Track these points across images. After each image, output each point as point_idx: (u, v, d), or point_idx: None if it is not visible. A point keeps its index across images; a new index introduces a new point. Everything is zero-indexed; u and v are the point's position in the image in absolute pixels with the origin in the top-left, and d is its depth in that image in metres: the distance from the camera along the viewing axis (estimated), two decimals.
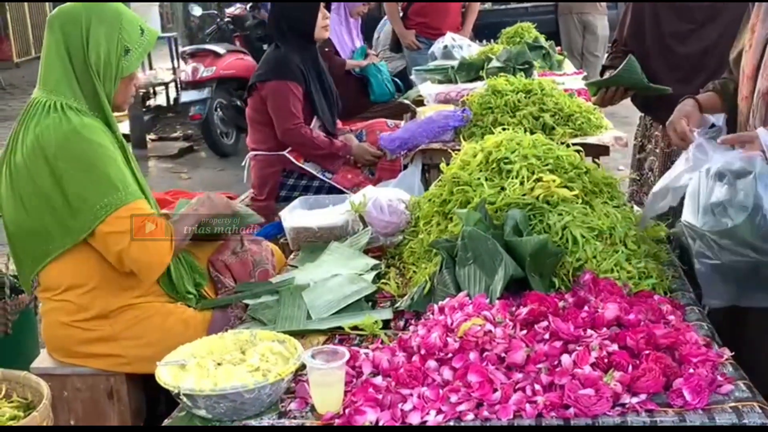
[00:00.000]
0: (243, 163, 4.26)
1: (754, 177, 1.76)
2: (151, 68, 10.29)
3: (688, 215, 1.85)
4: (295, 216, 2.74)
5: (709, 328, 1.86)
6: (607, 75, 2.79)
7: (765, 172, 1.77)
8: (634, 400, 1.54)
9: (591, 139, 3.19)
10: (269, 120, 3.84)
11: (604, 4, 7.60)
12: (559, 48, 5.68)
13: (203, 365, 1.73)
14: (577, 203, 2.10)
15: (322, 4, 3.93)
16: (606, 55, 2.99)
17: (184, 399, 1.63)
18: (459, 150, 2.61)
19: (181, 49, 9.32)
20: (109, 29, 2.25)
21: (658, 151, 2.90)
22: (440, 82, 4.47)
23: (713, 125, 2.17)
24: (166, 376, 1.69)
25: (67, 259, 2.23)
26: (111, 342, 2.28)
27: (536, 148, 2.22)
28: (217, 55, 7.64)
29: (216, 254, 2.56)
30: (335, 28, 5.00)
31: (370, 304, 2.17)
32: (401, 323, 2.03)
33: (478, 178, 2.20)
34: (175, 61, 10.08)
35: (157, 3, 10.76)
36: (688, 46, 2.71)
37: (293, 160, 3.89)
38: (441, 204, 2.33)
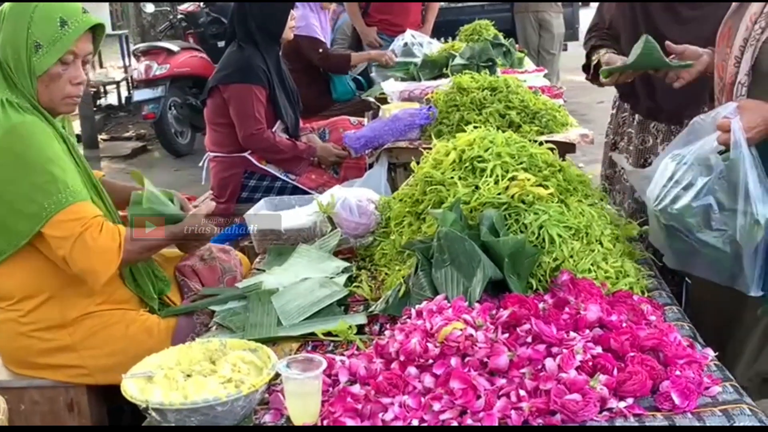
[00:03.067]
0: (201, 164, 4.16)
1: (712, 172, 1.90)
2: (101, 66, 10.07)
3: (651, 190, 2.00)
4: (261, 217, 2.65)
5: (690, 328, 1.84)
6: (598, 56, 2.69)
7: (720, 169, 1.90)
8: (622, 404, 1.50)
9: (558, 137, 3.16)
10: (230, 122, 3.76)
11: (559, 3, 7.64)
12: (518, 45, 5.68)
13: (171, 377, 1.64)
14: (552, 202, 2.06)
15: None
16: (587, 40, 2.88)
17: (153, 413, 1.54)
18: (426, 148, 2.56)
19: (132, 46, 9.13)
20: (15, 24, 2.08)
21: (631, 148, 2.89)
22: (403, 79, 4.42)
23: None
24: (133, 389, 1.59)
25: (17, 265, 2.12)
26: (70, 352, 2.17)
27: (510, 146, 2.18)
28: (170, 52, 7.48)
29: (183, 260, 2.47)
30: (313, 21, 4.90)
31: (342, 308, 2.10)
32: (376, 328, 1.97)
33: (452, 177, 2.15)
34: (127, 59, 9.89)
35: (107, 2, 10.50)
36: (685, 24, 2.63)
37: (255, 162, 3.81)
38: (413, 204, 2.27)
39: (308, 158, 3.84)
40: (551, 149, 2.26)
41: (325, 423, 1.52)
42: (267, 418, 1.60)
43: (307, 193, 3.60)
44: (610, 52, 2.68)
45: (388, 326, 1.93)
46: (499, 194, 2.05)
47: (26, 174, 2.03)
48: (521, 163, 2.14)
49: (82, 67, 2.17)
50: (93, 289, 2.13)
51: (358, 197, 2.53)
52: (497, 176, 2.09)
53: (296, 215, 2.62)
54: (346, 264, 2.34)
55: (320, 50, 4.89)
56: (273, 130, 3.80)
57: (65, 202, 2.04)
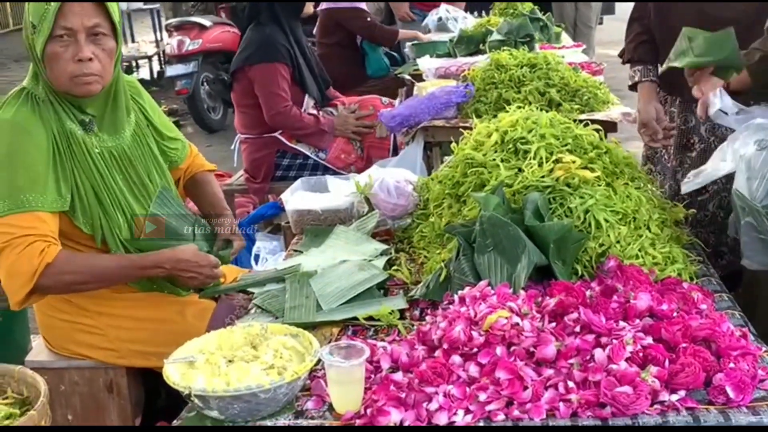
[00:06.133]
0: (232, 147, 4.17)
1: None
2: (133, 41, 10.09)
3: (740, 184, 1.78)
4: (298, 198, 2.63)
5: (742, 317, 1.78)
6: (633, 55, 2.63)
7: None
8: (674, 397, 1.46)
9: (599, 116, 3.09)
10: (258, 103, 3.76)
11: None
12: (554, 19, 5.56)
13: (213, 362, 1.63)
14: (598, 185, 2.00)
15: None
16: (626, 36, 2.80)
17: (196, 400, 1.53)
18: (463, 127, 2.51)
19: (164, 21, 9.12)
20: (24, 7, 2.03)
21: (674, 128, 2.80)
22: (438, 55, 4.35)
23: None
24: (175, 374, 1.59)
25: None
26: (100, 335, 2.16)
27: (554, 127, 2.12)
28: (202, 27, 7.46)
29: None
30: None
31: (381, 292, 2.07)
32: (416, 313, 1.94)
33: (494, 159, 2.10)
34: (158, 33, 9.88)
35: None
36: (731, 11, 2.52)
37: (285, 141, 3.81)
38: (453, 186, 2.22)
39: (331, 131, 3.83)
40: (596, 130, 2.20)
41: (367, 411, 1.50)
42: (309, 405, 1.58)
43: (337, 172, 3.59)
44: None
45: (428, 311, 1.90)
46: (543, 177, 2.00)
47: None
48: (566, 144, 2.08)
49: (92, 43, 2.04)
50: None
51: (395, 178, 2.49)
52: (541, 158, 2.04)
53: (334, 196, 2.59)
54: (385, 246, 2.30)
55: (368, 18, 4.82)
56: (303, 106, 3.78)
57: (6, 211, 1.95)
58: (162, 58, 9.68)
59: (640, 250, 1.91)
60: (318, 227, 2.51)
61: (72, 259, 2.02)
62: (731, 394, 1.44)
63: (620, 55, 2.86)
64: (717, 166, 1.95)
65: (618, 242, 1.91)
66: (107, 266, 2.08)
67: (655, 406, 1.45)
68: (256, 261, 3.34)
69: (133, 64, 9.67)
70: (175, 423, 1.58)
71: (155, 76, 9.78)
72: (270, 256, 3.29)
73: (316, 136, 3.82)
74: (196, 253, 2.15)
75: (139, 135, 2.23)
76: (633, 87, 2.77)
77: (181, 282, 2.16)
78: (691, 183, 2.03)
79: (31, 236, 1.94)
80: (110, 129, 2.15)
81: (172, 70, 7.36)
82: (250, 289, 2.18)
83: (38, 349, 2.29)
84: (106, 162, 2.12)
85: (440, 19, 5.04)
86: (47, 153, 2.01)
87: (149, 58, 9.77)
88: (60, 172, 2.03)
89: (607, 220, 1.92)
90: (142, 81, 9.56)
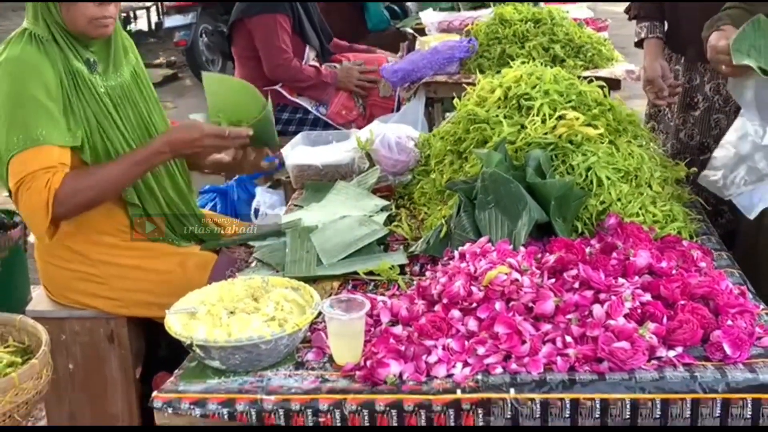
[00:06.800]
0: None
1: None
2: None
3: None
4: (298, 152, 2.62)
5: (741, 275, 1.79)
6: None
7: None
8: (671, 353, 1.47)
9: (603, 73, 3.07)
10: (257, 55, 3.71)
11: None
12: None
13: (215, 313, 1.64)
14: (601, 142, 2.00)
15: None
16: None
17: (197, 350, 1.54)
18: (466, 83, 2.49)
19: None
20: None
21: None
22: (441, 9, 4.29)
23: None
24: (176, 324, 1.60)
25: None
26: (102, 285, 2.18)
27: (558, 83, 2.10)
28: None
29: None
30: None
31: (381, 247, 2.08)
32: (416, 268, 1.95)
33: (497, 116, 2.08)
34: None
35: None
36: None
37: (286, 95, 3.77)
38: (455, 142, 2.22)
39: (333, 83, 3.80)
40: (601, 87, 2.18)
41: (367, 363, 1.51)
42: (310, 357, 1.60)
43: (337, 129, 3.57)
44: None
45: (428, 267, 1.91)
46: (546, 134, 1.99)
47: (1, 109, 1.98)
48: (570, 101, 2.07)
49: None
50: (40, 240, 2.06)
51: (397, 134, 2.48)
52: (544, 115, 2.03)
53: (334, 151, 2.58)
54: (385, 202, 2.30)
55: None
56: (304, 58, 3.75)
57: (21, 147, 1.97)
58: (160, 9, 9.55)
59: (640, 208, 1.91)
60: (318, 182, 2.51)
61: (77, 178, 2.03)
62: (728, 350, 1.46)
63: (626, 11, 2.83)
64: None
65: (619, 200, 1.91)
66: (112, 172, 2.08)
67: (652, 361, 1.46)
68: (256, 215, 3.35)
69: (131, 14, 9.54)
70: (176, 372, 1.60)
71: (153, 27, 9.66)
72: (270, 210, 3.29)
73: (317, 88, 3.79)
74: (188, 128, 2.15)
75: (138, 75, 2.24)
76: (639, 44, 2.75)
77: (194, 158, 2.19)
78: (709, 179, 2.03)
79: (38, 171, 1.97)
80: (111, 68, 2.17)
81: (170, 21, 7.28)
82: (251, 243, 2.19)
83: (38, 299, 2.30)
84: (112, 100, 2.13)
85: None
86: (57, 90, 2.02)
87: (147, 8, 9.64)
88: (70, 109, 2.04)
89: (608, 178, 1.92)
90: (139, 32, 9.47)
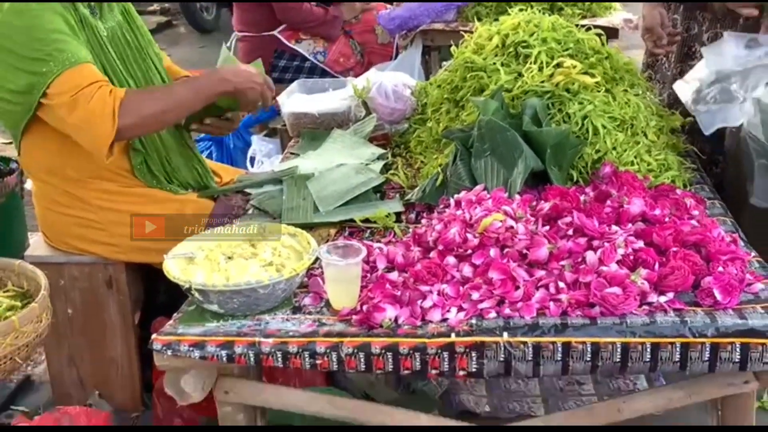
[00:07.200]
0: (228, 45, 4.08)
1: None
2: None
3: (754, 126, 1.78)
4: (294, 100, 2.61)
5: (733, 223, 1.81)
6: None
7: None
8: (662, 299, 1.50)
9: (601, 21, 3.05)
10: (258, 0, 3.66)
11: None
12: None
13: (213, 258, 1.66)
14: (597, 91, 2.00)
15: None
16: None
17: (196, 294, 1.56)
18: (463, 31, 2.47)
19: None
20: None
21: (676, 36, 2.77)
22: None
23: None
24: (175, 269, 1.62)
25: (35, 143, 2.08)
26: (100, 230, 2.18)
27: (556, 31, 2.09)
28: None
29: None
30: None
31: (378, 195, 2.09)
32: (412, 216, 1.96)
33: (494, 63, 2.08)
34: None
35: None
36: None
37: (284, 41, 3.74)
38: (452, 91, 2.21)
39: (341, 16, 3.78)
40: (598, 35, 2.17)
41: (364, 308, 1.54)
42: (307, 301, 1.62)
43: (335, 77, 3.55)
44: None
45: (424, 215, 1.93)
46: (543, 82, 1.99)
47: (25, 34, 1.93)
48: (567, 49, 2.06)
49: None
50: (101, 163, 2.01)
51: (393, 82, 2.47)
52: (542, 63, 2.02)
53: (331, 99, 2.58)
54: (382, 151, 2.31)
55: None
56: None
57: (60, 69, 1.91)
58: None
59: (635, 157, 1.93)
60: (315, 130, 2.51)
61: (141, 92, 2.03)
62: (718, 296, 1.48)
63: None
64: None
65: (614, 149, 1.92)
66: (179, 90, 2.08)
67: (644, 306, 1.49)
68: (252, 163, 3.35)
69: None
70: (175, 316, 1.62)
71: None
72: (266, 159, 3.29)
73: (328, 24, 3.76)
74: (251, 67, 2.20)
75: (128, 13, 2.23)
76: None
77: (243, 98, 2.14)
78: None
79: (96, 83, 1.92)
80: (105, 10, 2.14)
81: None
82: (248, 191, 2.20)
83: (36, 245, 2.31)
84: (112, 43, 2.12)
85: None
86: (69, 29, 1.98)
87: None
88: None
89: (604, 127, 1.93)
90: None
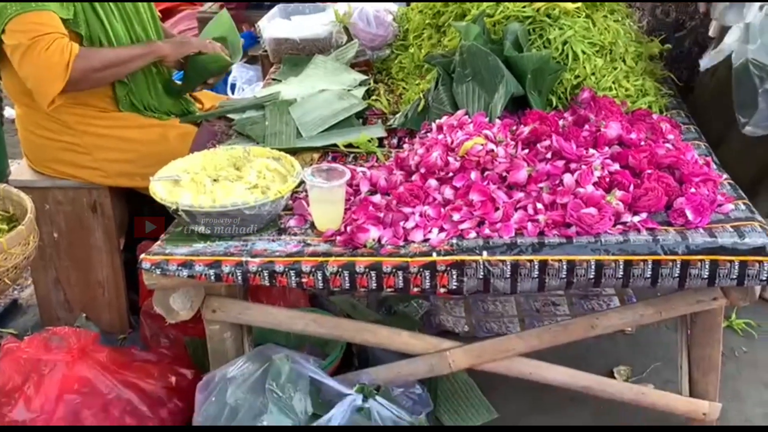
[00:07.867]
0: None
1: None
2: None
3: (760, 53, 1.79)
4: (275, 26, 2.60)
5: (707, 147, 1.86)
6: None
7: None
8: (636, 218, 1.55)
9: None
10: None
11: None
12: None
13: (198, 181, 1.69)
14: (578, 17, 2.01)
15: None
16: None
17: (183, 215, 1.59)
18: None
19: None
20: None
21: None
22: None
23: None
24: (161, 191, 1.64)
25: (11, 70, 2.08)
26: (84, 155, 2.19)
27: None
28: None
29: None
30: None
31: (360, 121, 2.11)
32: (394, 141, 1.99)
33: None
34: None
35: None
36: None
37: None
38: (433, 16, 2.22)
39: None
40: None
41: (348, 229, 1.58)
42: (291, 223, 1.66)
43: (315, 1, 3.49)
44: None
45: (406, 140, 1.96)
46: (524, 7, 2.00)
47: None
48: None
49: None
50: (41, 106, 2.05)
51: (375, 7, 2.47)
52: None
53: (312, 24, 2.56)
54: (364, 77, 2.32)
55: None
56: None
57: (20, 10, 1.94)
58: None
59: (614, 83, 1.96)
60: (296, 56, 2.50)
61: (91, 51, 2.04)
62: (690, 216, 1.54)
63: None
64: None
65: (593, 74, 1.95)
66: (122, 53, 2.11)
67: (618, 226, 1.54)
68: (233, 90, 3.33)
69: None
70: (162, 237, 1.65)
71: None
72: (246, 85, 3.28)
73: None
74: (201, 42, 2.26)
75: None
76: None
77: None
78: (708, 59, 2.03)
79: (54, 33, 1.96)
80: None
81: None
82: (230, 116, 2.20)
83: (20, 170, 2.31)
84: None
85: None
86: None
87: None
88: None
89: (584, 52, 1.95)
90: None
